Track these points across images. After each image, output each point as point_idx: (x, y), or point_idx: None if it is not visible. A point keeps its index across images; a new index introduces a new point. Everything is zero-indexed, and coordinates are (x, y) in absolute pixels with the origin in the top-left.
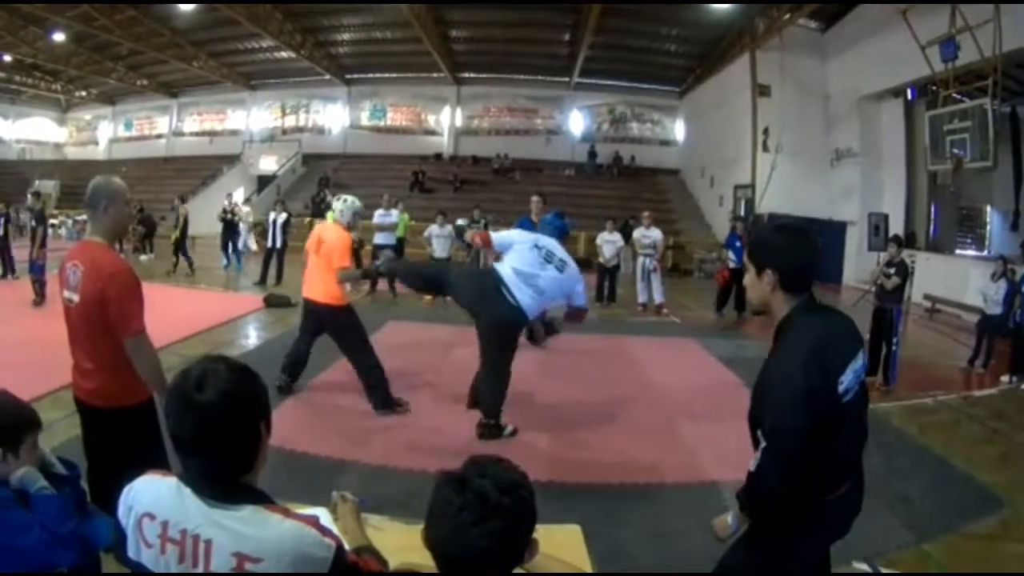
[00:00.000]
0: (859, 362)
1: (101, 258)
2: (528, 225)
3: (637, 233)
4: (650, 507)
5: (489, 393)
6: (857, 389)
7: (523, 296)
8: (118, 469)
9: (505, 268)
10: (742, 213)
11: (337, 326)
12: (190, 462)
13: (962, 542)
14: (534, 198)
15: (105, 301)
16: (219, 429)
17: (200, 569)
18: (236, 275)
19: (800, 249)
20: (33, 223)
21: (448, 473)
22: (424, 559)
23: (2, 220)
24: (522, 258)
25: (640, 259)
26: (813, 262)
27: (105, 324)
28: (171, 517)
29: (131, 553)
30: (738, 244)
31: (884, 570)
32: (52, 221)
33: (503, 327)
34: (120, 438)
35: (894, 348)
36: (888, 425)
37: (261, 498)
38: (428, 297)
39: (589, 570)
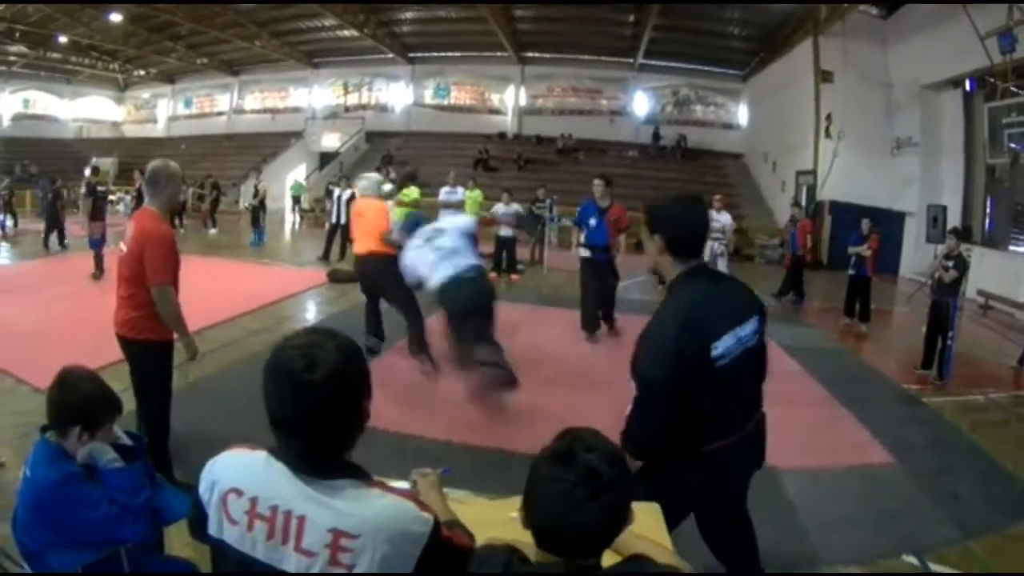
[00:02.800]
0: (747, 328)
1: (148, 222)
2: (592, 209)
3: None
4: None
5: None
6: (739, 354)
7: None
8: (135, 391)
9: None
10: (803, 200)
11: (383, 276)
12: (292, 441)
13: (1006, 543)
14: (596, 181)
15: (142, 255)
16: (329, 409)
17: (291, 546)
18: (271, 250)
19: (686, 218)
20: (84, 193)
21: (552, 450)
22: (506, 534)
23: (50, 196)
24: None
25: (708, 243)
26: (698, 231)
27: (140, 272)
28: (261, 493)
29: (212, 530)
30: (793, 231)
31: (932, 566)
32: (111, 197)
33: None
34: (134, 364)
35: (949, 343)
36: (941, 420)
37: (359, 473)
38: (492, 274)
39: (669, 545)
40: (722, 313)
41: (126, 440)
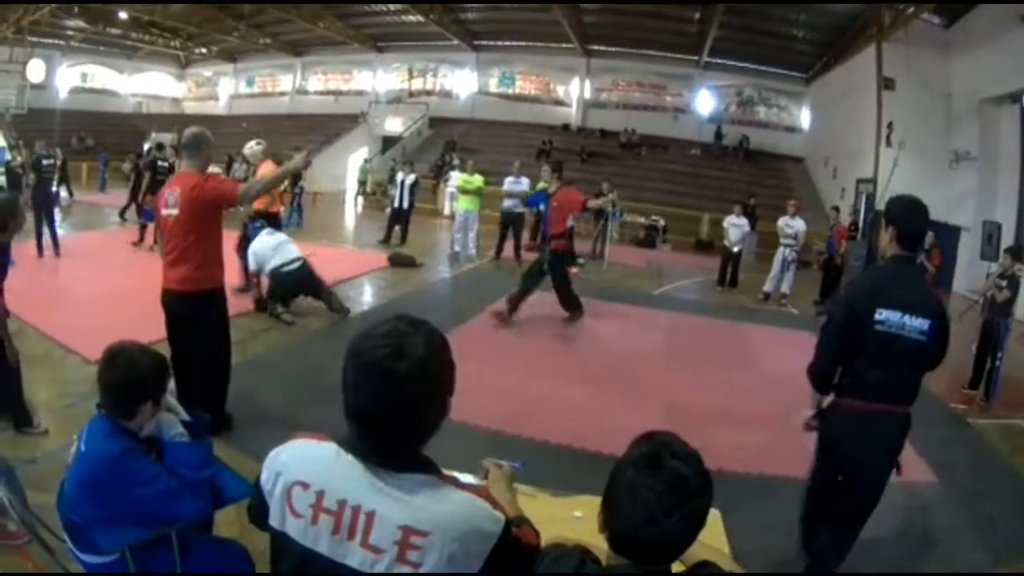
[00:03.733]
0: (915, 321)
1: (194, 180)
2: (543, 197)
3: (781, 222)
4: (758, 497)
5: None
6: (898, 333)
7: None
8: (196, 342)
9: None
10: (862, 208)
11: None
12: (370, 433)
13: None
14: (544, 166)
15: (205, 201)
16: (413, 401)
17: (357, 541)
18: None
19: (914, 216)
20: (147, 170)
21: (638, 455)
22: (571, 532)
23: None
24: None
25: (780, 249)
26: (922, 229)
27: (197, 229)
28: (328, 486)
29: (274, 522)
30: (829, 234)
31: None
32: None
33: None
34: (197, 314)
35: (998, 364)
36: (983, 442)
37: (432, 468)
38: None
39: (727, 551)
40: (896, 293)
41: (185, 416)
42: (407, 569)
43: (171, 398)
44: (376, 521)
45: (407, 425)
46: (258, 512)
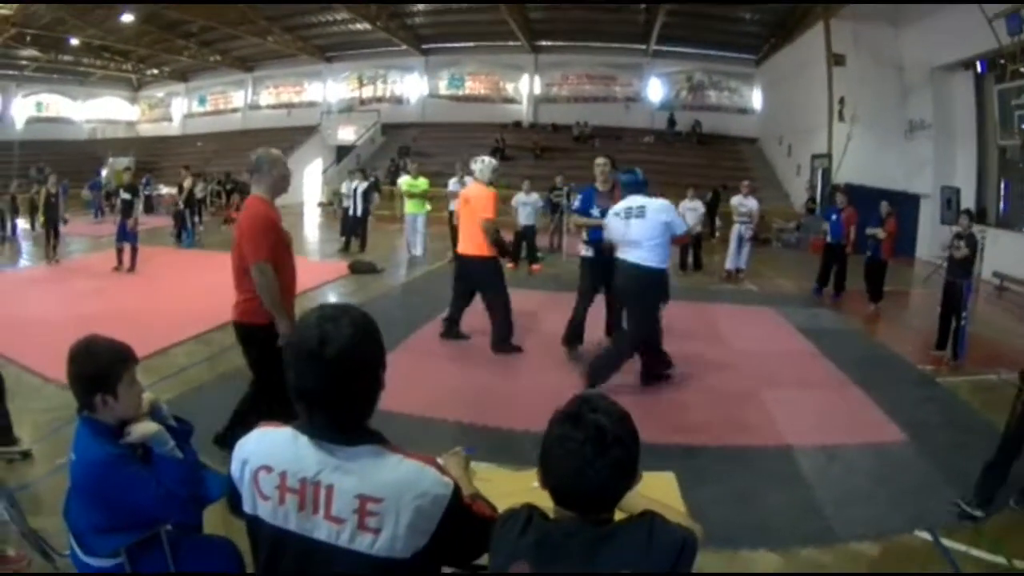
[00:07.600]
0: None
1: (251, 206)
2: (592, 195)
3: (735, 201)
4: (731, 468)
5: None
6: None
7: (633, 258)
8: (256, 373)
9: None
10: (819, 183)
11: (481, 275)
12: (315, 412)
13: (1016, 518)
14: (599, 160)
15: (241, 237)
16: (344, 381)
17: (321, 515)
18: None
19: None
20: (128, 196)
21: (561, 412)
22: (530, 500)
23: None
24: (613, 232)
25: (735, 227)
26: None
27: (242, 259)
28: (289, 467)
29: (247, 507)
30: (834, 217)
31: (945, 541)
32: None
33: (639, 293)
34: (251, 348)
35: (963, 323)
36: (955, 399)
37: (379, 439)
38: (510, 264)
39: (683, 510)
40: None
41: (173, 423)
42: (368, 536)
43: (163, 407)
44: (335, 493)
45: (344, 402)
46: (234, 500)
